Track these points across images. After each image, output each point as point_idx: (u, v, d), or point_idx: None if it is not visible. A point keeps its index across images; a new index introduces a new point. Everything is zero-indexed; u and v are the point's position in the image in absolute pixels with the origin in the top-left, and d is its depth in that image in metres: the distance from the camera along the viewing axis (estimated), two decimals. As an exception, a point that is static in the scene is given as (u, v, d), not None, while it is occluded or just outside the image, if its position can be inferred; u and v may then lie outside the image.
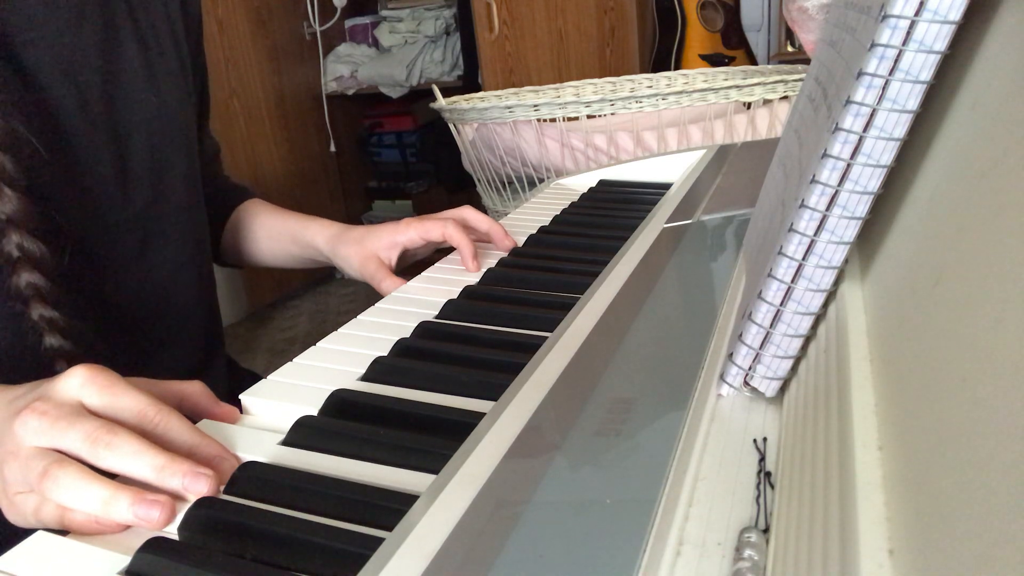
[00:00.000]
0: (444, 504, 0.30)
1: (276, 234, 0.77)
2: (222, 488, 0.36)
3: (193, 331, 0.67)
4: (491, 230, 0.69)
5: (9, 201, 0.48)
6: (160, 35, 0.62)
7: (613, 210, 0.82)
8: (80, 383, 0.37)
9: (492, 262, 0.67)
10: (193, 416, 0.42)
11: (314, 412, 0.43)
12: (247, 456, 0.39)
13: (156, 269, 0.62)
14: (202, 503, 0.34)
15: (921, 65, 0.28)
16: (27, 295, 0.49)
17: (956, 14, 0.26)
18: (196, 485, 0.35)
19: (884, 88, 0.28)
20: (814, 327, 0.34)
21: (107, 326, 0.58)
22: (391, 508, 0.33)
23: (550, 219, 0.79)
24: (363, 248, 0.69)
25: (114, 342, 0.58)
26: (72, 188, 0.55)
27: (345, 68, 2.60)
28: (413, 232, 0.68)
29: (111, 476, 0.36)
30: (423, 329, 0.53)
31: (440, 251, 0.73)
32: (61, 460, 0.35)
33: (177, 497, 0.35)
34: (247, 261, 0.82)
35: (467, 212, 0.70)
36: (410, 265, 0.72)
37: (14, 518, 0.37)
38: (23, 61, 0.51)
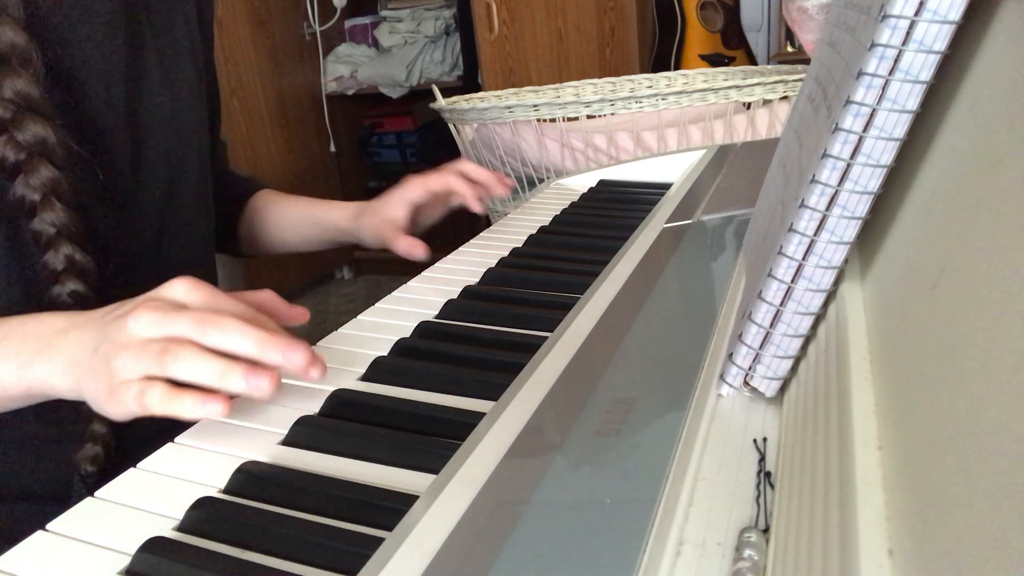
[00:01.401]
0: (444, 504, 0.31)
1: (295, 220, 0.82)
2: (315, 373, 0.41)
3: None
4: (487, 180, 0.75)
5: (60, 214, 0.50)
6: (178, 44, 0.65)
7: (613, 210, 0.82)
8: (184, 290, 0.43)
9: (492, 262, 0.67)
10: None
11: (314, 412, 0.43)
12: (248, 456, 0.39)
13: (167, 267, 0.64)
14: (202, 503, 0.34)
15: (921, 65, 0.28)
16: (68, 304, 0.51)
17: (956, 14, 0.26)
18: (294, 355, 0.40)
19: (884, 88, 0.28)
20: (814, 327, 0.34)
21: None
22: (391, 508, 0.33)
23: (550, 219, 0.79)
24: (378, 215, 0.75)
25: None
26: (93, 184, 0.57)
27: (345, 68, 2.60)
28: (418, 188, 0.74)
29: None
30: (423, 329, 0.53)
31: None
32: (178, 340, 0.39)
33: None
34: (265, 249, 0.86)
35: (463, 164, 0.76)
36: (424, 235, 0.76)
37: (114, 409, 0.40)
38: (60, 62, 0.54)
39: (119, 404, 0.40)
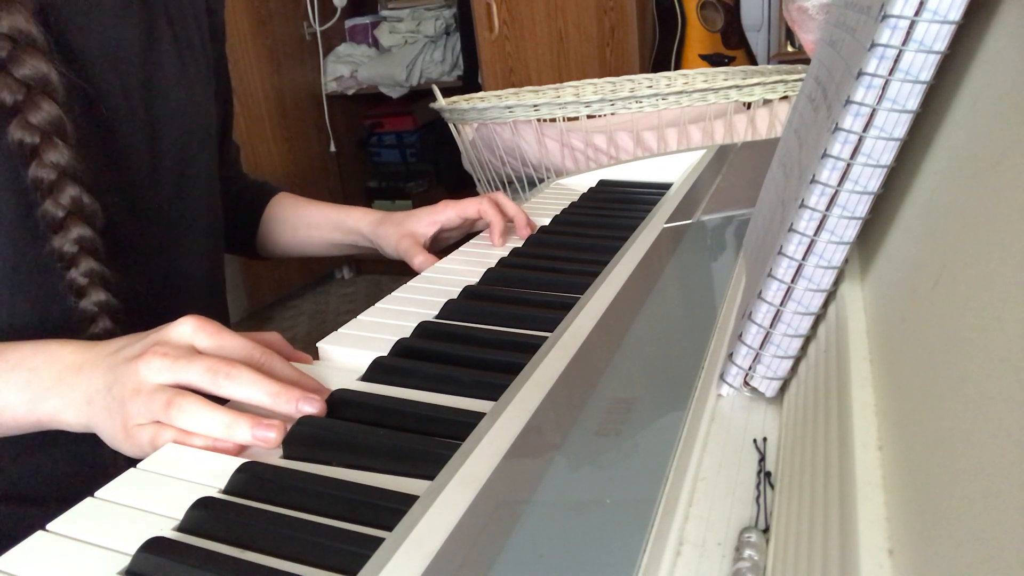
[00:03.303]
0: (444, 504, 0.30)
1: (315, 224, 0.83)
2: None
3: None
4: (516, 216, 0.75)
5: (63, 153, 0.49)
6: (191, 38, 0.65)
7: (613, 210, 0.82)
8: (192, 330, 0.42)
9: (492, 262, 0.67)
10: None
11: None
12: (247, 456, 0.39)
13: (178, 260, 0.64)
14: (202, 503, 0.34)
15: (921, 65, 0.28)
16: (72, 252, 0.50)
17: (956, 14, 0.26)
18: (307, 406, 0.40)
19: (884, 88, 0.28)
20: (814, 327, 0.34)
21: (131, 313, 0.58)
22: (391, 508, 0.33)
23: (550, 219, 0.79)
24: (402, 228, 0.75)
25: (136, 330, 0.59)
26: (110, 173, 0.56)
27: (345, 68, 2.60)
28: (451, 211, 0.75)
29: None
30: (423, 329, 0.53)
31: (444, 250, 0.74)
32: (183, 392, 0.40)
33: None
34: (281, 252, 0.87)
35: (499, 196, 0.76)
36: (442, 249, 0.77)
37: (131, 449, 0.41)
38: (73, 47, 0.53)
39: (134, 445, 0.41)
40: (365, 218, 0.79)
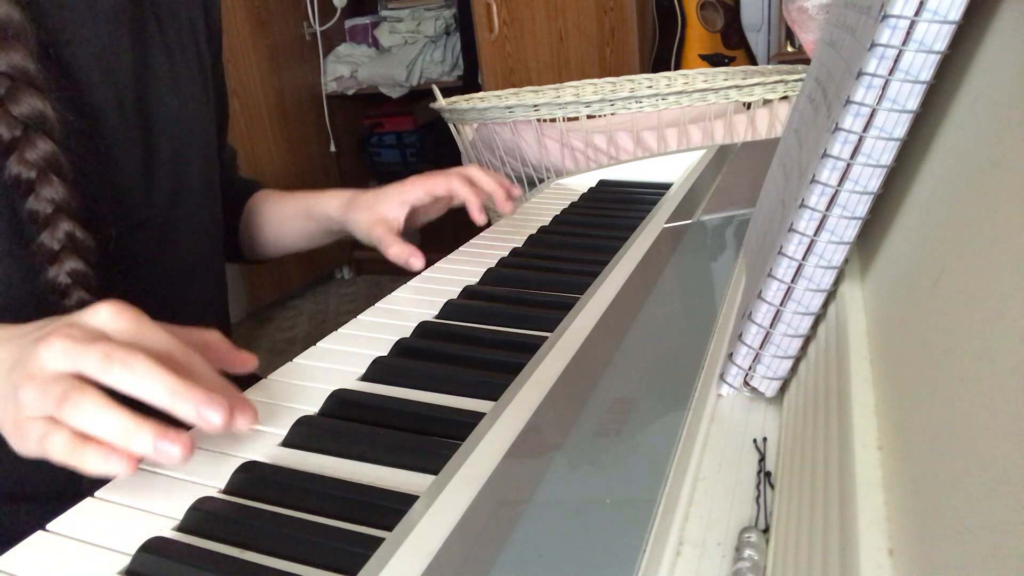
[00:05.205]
0: (444, 504, 0.31)
1: (291, 214, 0.78)
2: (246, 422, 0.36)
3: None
4: (494, 191, 0.69)
5: (58, 189, 0.49)
6: (184, 43, 0.65)
7: (613, 210, 0.82)
8: (108, 316, 0.37)
9: (492, 262, 0.67)
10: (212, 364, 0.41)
11: (314, 412, 0.43)
12: (248, 456, 0.39)
13: (173, 267, 0.64)
14: (202, 503, 0.34)
15: (921, 65, 0.28)
16: (66, 284, 0.50)
17: (956, 14, 0.26)
18: (209, 413, 0.34)
19: (884, 88, 0.28)
20: (814, 327, 0.34)
21: None
22: (391, 508, 0.33)
23: (550, 219, 0.79)
24: (372, 213, 0.70)
25: None
26: (103, 183, 0.56)
27: (345, 68, 2.60)
28: (419, 190, 0.69)
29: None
30: (423, 329, 0.53)
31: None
32: (82, 385, 0.34)
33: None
34: (264, 251, 0.83)
35: (472, 170, 0.70)
36: (429, 249, 0.74)
37: (18, 445, 0.36)
38: (65, 59, 0.53)
39: (22, 441, 0.36)
40: (333, 201, 0.73)
